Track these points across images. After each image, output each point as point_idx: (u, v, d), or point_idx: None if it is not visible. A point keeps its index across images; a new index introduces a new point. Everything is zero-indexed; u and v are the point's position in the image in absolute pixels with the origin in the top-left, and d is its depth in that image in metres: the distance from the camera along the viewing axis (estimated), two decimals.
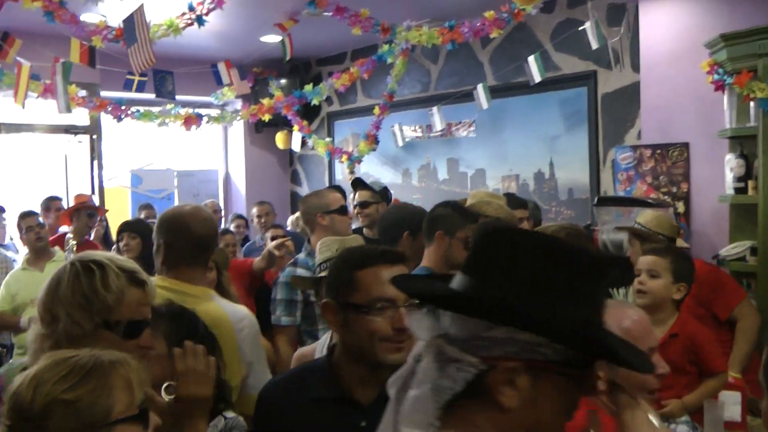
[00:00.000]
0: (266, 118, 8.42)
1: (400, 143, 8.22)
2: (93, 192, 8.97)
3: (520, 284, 1.24)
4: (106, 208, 8.02)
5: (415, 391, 1.28)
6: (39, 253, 5.99)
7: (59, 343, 1.93)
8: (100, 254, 2.12)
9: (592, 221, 6.57)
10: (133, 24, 5.00)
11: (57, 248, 6.21)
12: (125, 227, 5.85)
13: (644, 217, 4.72)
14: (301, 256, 4.36)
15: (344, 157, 8.80)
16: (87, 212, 6.92)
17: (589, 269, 1.28)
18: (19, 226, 6.10)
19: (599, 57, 6.87)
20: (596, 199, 5.69)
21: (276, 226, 6.15)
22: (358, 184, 5.90)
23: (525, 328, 1.23)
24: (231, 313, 2.78)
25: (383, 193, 5.89)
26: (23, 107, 6.04)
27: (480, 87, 6.74)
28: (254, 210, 7.66)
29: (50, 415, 1.54)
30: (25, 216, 6.09)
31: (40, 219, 6.15)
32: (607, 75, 6.93)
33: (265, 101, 8.33)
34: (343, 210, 4.39)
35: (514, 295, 1.23)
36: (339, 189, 6.71)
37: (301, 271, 4.16)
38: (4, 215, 7.27)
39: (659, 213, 4.78)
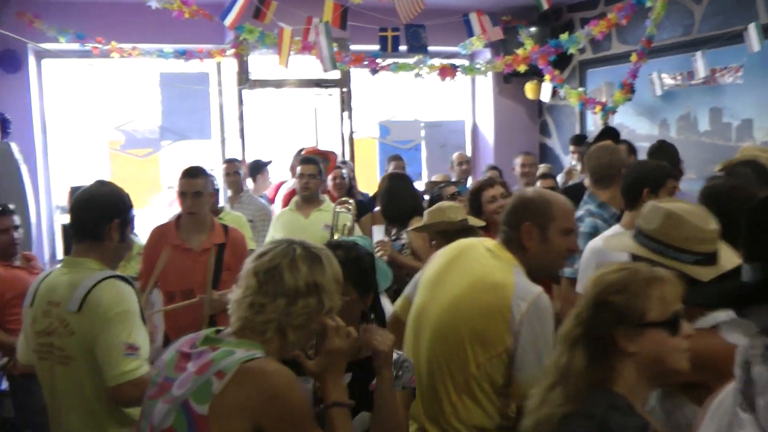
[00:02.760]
0: (522, 68, 8.49)
1: (659, 92, 8.03)
2: (343, 143, 9.50)
3: None
4: (339, 157, 8.22)
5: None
6: (307, 199, 6.21)
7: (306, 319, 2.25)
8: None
9: None
10: None
11: (326, 197, 6.39)
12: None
13: None
14: (593, 208, 4.49)
15: (597, 107, 8.69)
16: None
17: None
18: (293, 167, 6.37)
19: None
20: None
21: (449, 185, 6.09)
22: (605, 134, 5.84)
23: None
24: (519, 284, 2.88)
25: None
26: (287, 67, 6.64)
27: (751, 27, 6.42)
28: (518, 159, 7.83)
29: (600, 310, 2.08)
30: (303, 162, 6.31)
31: (316, 169, 6.25)
32: None
33: (520, 51, 8.41)
34: None
35: None
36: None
37: (599, 222, 4.34)
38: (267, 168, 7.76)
39: None
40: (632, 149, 6.48)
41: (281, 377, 2.12)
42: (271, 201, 7.59)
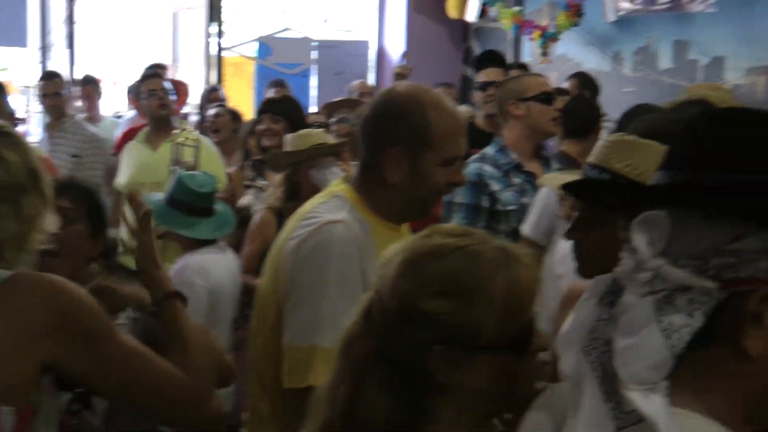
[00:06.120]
0: None
1: (612, 17, 7.86)
2: (208, 63, 9.27)
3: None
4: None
5: (629, 340, 1.19)
6: (160, 126, 5.74)
7: None
8: None
9: None
10: None
11: (182, 125, 5.98)
12: (268, 107, 5.54)
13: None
14: (490, 150, 4.32)
15: (536, 33, 8.38)
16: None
17: None
18: (136, 91, 6.01)
19: None
20: None
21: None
22: (488, 59, 5.88)
23: None
24: (312, 215, 2.60)
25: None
26: None
27: None
28: None
29: (408, 320, 1.63)
30: (147, 78, 5.91)
31: (167, 83, 5.84)
32: None
33: None
34: (544, 98, 4.27)
35: None
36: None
37: (489, 169, 4.16)
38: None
39: None
40: None
41: (48, 285, 1.81)
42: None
